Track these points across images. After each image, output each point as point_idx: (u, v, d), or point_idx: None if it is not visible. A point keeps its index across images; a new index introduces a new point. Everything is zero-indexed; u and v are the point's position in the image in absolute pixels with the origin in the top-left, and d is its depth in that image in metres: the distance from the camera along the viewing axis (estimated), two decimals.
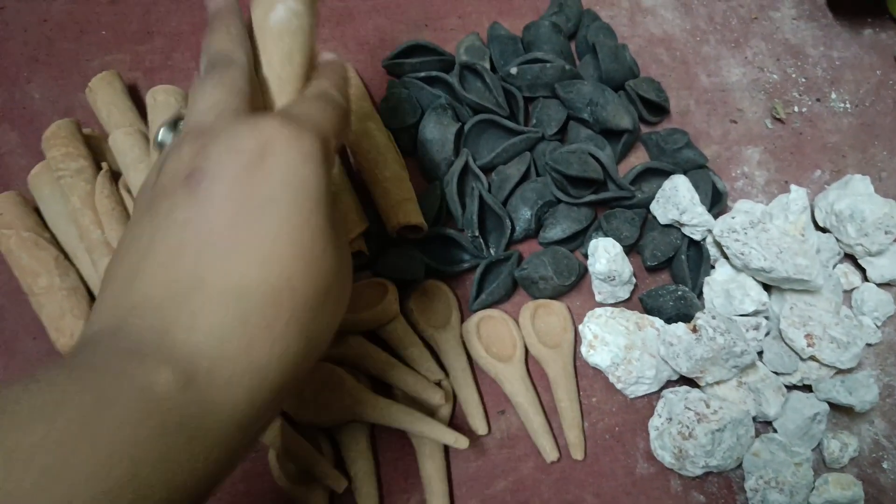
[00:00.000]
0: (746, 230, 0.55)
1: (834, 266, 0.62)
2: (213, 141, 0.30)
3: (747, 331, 0.56)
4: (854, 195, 0.60)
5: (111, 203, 0.53)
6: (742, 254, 0.55)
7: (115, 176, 0.56)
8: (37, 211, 0.56)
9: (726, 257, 0.58)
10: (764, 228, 0.56)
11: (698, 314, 0.53)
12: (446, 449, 0.53)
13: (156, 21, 0.66)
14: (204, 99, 0.33)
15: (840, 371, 0.55)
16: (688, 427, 0.51)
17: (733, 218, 0.56)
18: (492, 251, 0.59)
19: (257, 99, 0.35)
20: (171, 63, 0.65)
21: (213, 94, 0.33)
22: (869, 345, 0.60)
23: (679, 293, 0.56)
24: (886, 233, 0.59)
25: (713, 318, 0.53)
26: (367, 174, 0.57)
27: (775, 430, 0.55)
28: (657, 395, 0.56)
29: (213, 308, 0.28)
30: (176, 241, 0.29)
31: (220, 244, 0.28)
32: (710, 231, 0.58)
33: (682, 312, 0.56)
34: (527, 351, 0.56)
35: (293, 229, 0.29)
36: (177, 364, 0.26)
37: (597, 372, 0.56)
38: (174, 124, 0.38)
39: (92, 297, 0.53)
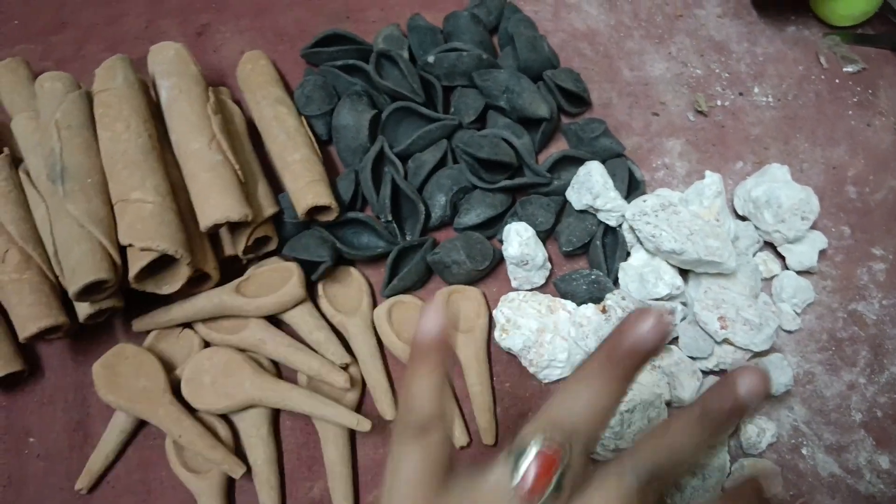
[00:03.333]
0: (657, 212, 0.55)
1: (754, 254, 0.61)
2: None
3: None
4: (771, 182, 0.60)
5: (8, 186, 0.52)
6: (653, 236, 0.54)
7: (17, 161, 0.55)
8: None
9: (641, 242, 0.57)
10: (675, 211, 0.55)
11: (608, 295, 0.53)
12: (353, 436, 0.52)
13: (70, 13, 0.66)
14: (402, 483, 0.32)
15: (755, 354, 0.55)
16: None
17: (645, 201, 0.56)
18: (407, 237, 0.58)
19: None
20: (82, 54, 0.64)
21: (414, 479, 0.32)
22: (789, 332, 0.59)
23: (592, 277, 0.56)
24: (803, 219, 0.59)
25: (623, 298, 0.52)
26: (277, 158, 0.56)
27: None
28: None
29: None
30: None
31: None
32: (625, 217, 0.58)
33: (594, 296, 0.55)
34: None
35: None
36: None
37: (511, 358, 0.55)
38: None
39: None
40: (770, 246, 0.62)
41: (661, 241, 0.54)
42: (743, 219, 0.62)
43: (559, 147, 0.64)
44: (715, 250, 0.54)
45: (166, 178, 0.51)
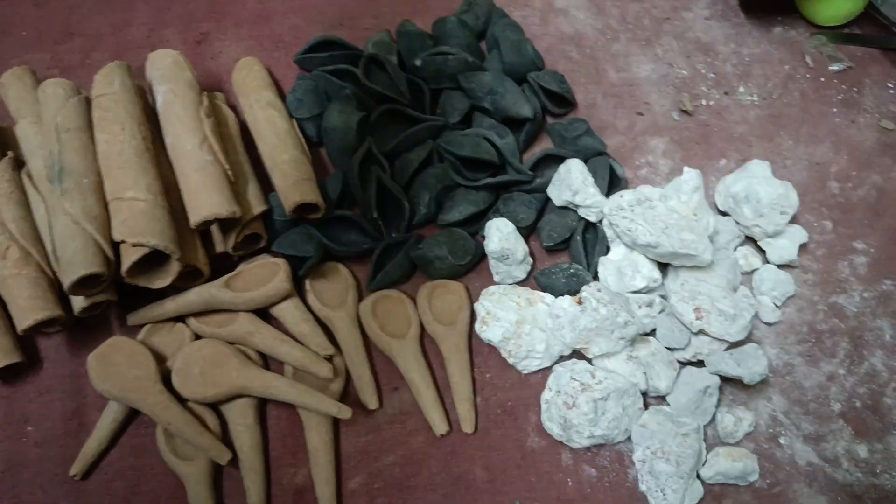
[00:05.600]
0: (633, 207, 0.57)
1: (735, 249, 0.62)
2: None
3: (640, 307, 0.56)
4: (750, 178, 0.61)
5: (10, 186, 0.55)
6: (629, 230, 0.56)
7: (20, 164, 0.58)
8: None
9: (619, 237, 0.59)
10: (651, 206, 0.57)
11: (584, 287, 0.54)
12: (336, 424, 0.53)
13: (77, 22, 0.69)
14: None
15: (732, 345, 0.56)
16: (572, 397, 0.52)
17: (622, 196, 0.57)
18: (393, 235, 0.60)
19: None
20: (89, 62, 0.67)
21: None
22: (769, 324, 0.60)
23: (571, 271, 0.57)
24: (782, 213, 0.60)
25: (598, 290, 0.54)
26: (267, 158, 0.59)
27: (669, 405, 0.55)
28: (550, 370, 0.56)
29: None
30: None
31: None
32: (604, 212, 0.59)
33: (573, 289, 0.57)
34: (423, 331, 0.57)
35: None
36: None
37: (492, 349, 0.57)
38: None
39: None
40: (752, 241, 0.63)
41: (636, 235, 0.55)
42: (724, 214, 0.63)
43: (544, 147, 0.66)
44: (690, 243, 0.55)
45: (159, 178, 0.53)
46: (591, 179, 0.59)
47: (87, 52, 0.68)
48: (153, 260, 0.52)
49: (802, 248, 0.62)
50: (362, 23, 0.72)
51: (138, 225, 0.50)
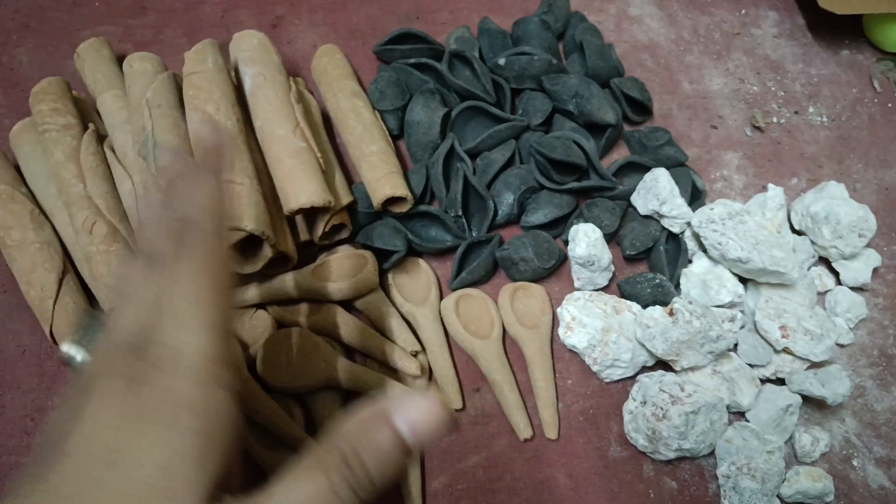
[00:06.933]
0: (724, 221, 0.56)
1: (809, 268, 0.62)
2: None
3: (723, 322, 0.56)
4: (829, 199, 0.61)
5: (96, 160, 0.53)
6: (719, 244, 0.55)
7: (101, 138, 0.56)
8: (16, 168, 0.55)
9: (704, 250, 0.59)
10: (741, 220, 0.57)
11: (675, 299, 0.54)
12: None
13: None
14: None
15: (813, 365, 0.56)
16: (662, 409, 0.51)
17: (712, 209, 0.57)
18: (474, 233, 0.59)
19: None
20: (161, 38, 0.66)
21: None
22: (841, 346, 0.60)
23: (657, 281, 0.57)
24: (860, 236, 0.60)
25: (690, 302, 0.53)
26: (353, 149, 0.58)
27: (748, 421, 0.55)
28: (632, 380, 0.56)
29: None
30: None
31: None
32: (688, 224, 0.59)
33: (658, 300, 0.56)
34: (504, 332, 0.56)
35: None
36: None
37: (573, 355, 0.56)
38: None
39: (65, 251, 0.53)
40: (824, 261, 0.63)
41: (727, 249, 0.55)
42: (799, 233, 0.63)
43: (620, 153, 0.66)
44: (780, 261, 0.55)
45: (252, 161, 0.52)
46: (677, 190, 0.59)
47: (159, 27, 0.66)
48: (243, 245, 0.51)
49: (873, 271, 0.62)
50: (439, 17, 0.71)
51: (235, 209, 0.49)
